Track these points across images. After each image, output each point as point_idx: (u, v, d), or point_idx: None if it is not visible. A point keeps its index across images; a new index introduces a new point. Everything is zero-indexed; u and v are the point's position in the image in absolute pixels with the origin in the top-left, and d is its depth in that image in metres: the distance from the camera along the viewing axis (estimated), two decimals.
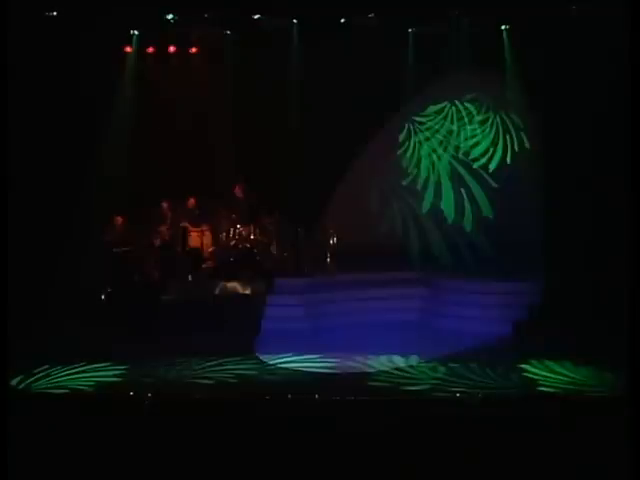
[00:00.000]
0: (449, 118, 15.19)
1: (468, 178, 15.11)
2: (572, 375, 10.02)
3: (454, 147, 15.19)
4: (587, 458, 7.20)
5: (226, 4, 12.94)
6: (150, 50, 14.45)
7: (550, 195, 13.45)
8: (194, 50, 14.58)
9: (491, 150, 15.00)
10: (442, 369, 10.38)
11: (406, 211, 15.40)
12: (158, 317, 12.03)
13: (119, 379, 10.01)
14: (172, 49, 14.44)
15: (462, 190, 15.13)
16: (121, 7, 12.65)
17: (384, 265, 13.77)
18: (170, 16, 13.51)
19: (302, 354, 10.99)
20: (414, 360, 10.77)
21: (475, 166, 15.06)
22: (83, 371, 10.24)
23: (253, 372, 10.39)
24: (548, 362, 10.47)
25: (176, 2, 13.05)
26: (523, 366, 10.39)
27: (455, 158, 15.19)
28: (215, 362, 10.63)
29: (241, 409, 8.40)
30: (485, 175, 15.00)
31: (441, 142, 15.27)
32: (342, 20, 13.79)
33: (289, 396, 9.07)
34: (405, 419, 7.99)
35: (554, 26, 12.95)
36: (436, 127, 15.27)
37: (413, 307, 13.04)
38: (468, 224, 15.09)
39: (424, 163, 15.32)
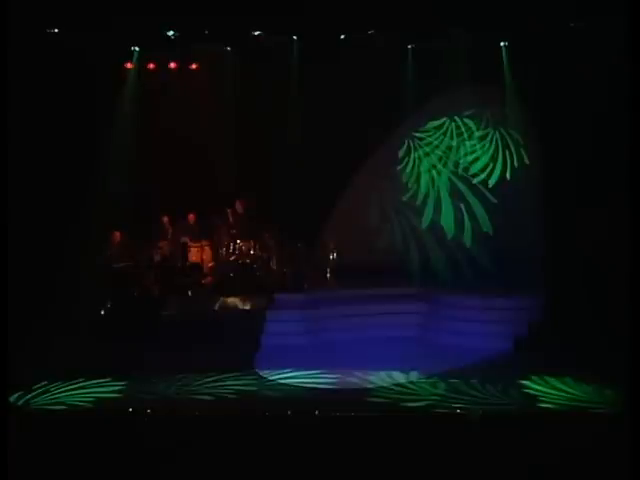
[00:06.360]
0: (449, 134, 15.22)
1: (468, 194, 15.12)
2: (572, 391, 9.99)
3: (454, 163, 15.21)
4: (588, 474, 7.18)
5: (226, 20, 12.99)
6: (151, 66, 14.52)
7: (550, 210, 13.47)
8: (194, 66, 14.65)
9: (491, 166, 15.02)
10: (442, 385, 10.35)
11: (406, 227, 15.40)
12: (158, 332, 12.02)
13: (118, 395, 9.98)
14: (173, 65, 14.51)
15: (462, 206, 15.14)
16: (122, 24, 12.70)
17: (384, 281, 13.77)
18: (171, 32, 13.57)
19: (302, 370, 10.96)
20: (414, 376, 10.74)
21: (475, 182, 15.08)
22: (82, 387, 10.21)
23: (253, 388, 10.36)
24: (548, 378, 10.44)
25: (177, 18, 13.11)
26: (523, 382, 10.36)
27: (455, 174, 15.20)
28: (215, 378, 10.60)
29: (241, 425, 8.37)
30: (485, 191, 15.01)
31: (441, 158, 15.29)
32: (342, 36, 13.86)
33: (289, 412, 9.06)
34: (405, 435, 7.97)
35: (553, 42, 13.01)
36: (436, 143, 15.29)
37: (413, 323, 13.01)
38: (468, 240, 15.09)
39: (424, 179, 15.34)
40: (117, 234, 13.51)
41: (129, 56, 14.24)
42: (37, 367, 10.45)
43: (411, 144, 15.35)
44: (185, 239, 14.16)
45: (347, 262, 14.26)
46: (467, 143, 15.12)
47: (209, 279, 13.92)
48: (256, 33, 13.75)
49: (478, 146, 15.08)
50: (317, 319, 12.76)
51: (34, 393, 9.93)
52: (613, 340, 9.85)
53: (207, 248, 14.28)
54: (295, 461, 7.38)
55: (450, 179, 15.22)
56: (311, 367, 11.02)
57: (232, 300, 13.04)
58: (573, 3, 12.43)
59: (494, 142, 15.00)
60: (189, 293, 13.38)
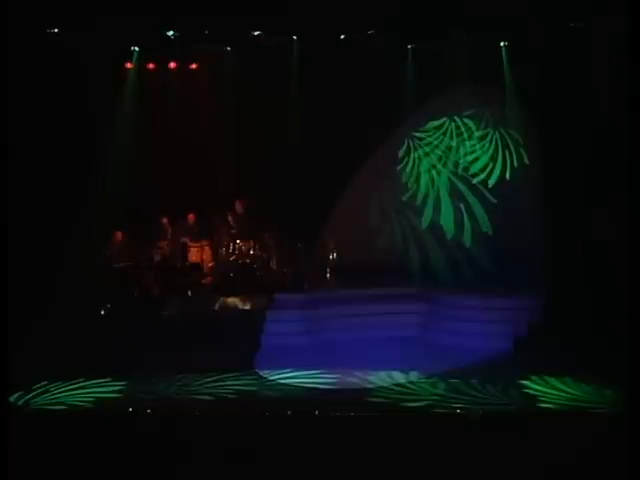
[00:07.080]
0: (448, 134, 15.21)
1: (467, 194, 15.12)
2: (572, 391, 10.00)
3: (453, 163, 15.21)
4: (588, 474, 7.18)
5: (226, 20, 12.99)
6: (150, 66, 14.52)
7: (550, 210, 13.47)
8: (194, 66, 14.64)
9: (490, 166, 15.02)
10: (442, 385, 10.35)
11: (406, 227, 15.40)
12: (158, 332, 12.02)
13: (118, 395, 9.98)
14: (172, 65, 14.50)
15: (461, 206, 15.14)
16: (122, 24, 12.70)
17: (384, 281, 13.77)
18: (170, 32, 13.57)
19: (302, 370, 10.96)
20: (414, 376, 10.75)
21: (474, 182, 15.08)
22: (82, 387, 10.22)
23: (253, 388, 10.37)
24: (548, 378, 10.45)
25: (177, 18, 13.11)
26: (523, 382, 10.37)
27: (454, 174, 15.21)
28: (215, 378, 10.61)
29: (241, 425, 8.37)
30: (484, 191, 15.01)
31: (440, 158, 15.29)
32: (342, 36, 13.85)
33: (289, 412, 9.06)
34: (405, 435, 7.97)
35: (553, 42, 13.01)
36: (435, 143, 15.29)
37: (413, 323, 13.02)
38: (467, 240, 15.09)
39: (423, 179, 15.34)
40: (117, 234, 13.51)
41: (129, 56, 14.23)
42: (37, 367, 10.45)
43: (411, 144, 15.35)
44: (185, 239, 14.16)
45: (347, 262, 14.27)
46: (467, 143, 15.12)
47: (209, 279, 13.92)
48: (256, 33, 13.74)
49: (478, 146, 15.08)
50: (317, 319, 12.76)
51: (34, 393, 9.93)
52: (613, 340, 9.85)
53: (207, 248, 14.28)
54: (295, 461, 7.39)
55: (450, 179, 15.22)
56: (311, 367, 11.02)
57: (232, 300, 13.05)
58: (573, 3, 12.43)
59: (494, 142, 15.00)
60: (189, 293, 13.38)
